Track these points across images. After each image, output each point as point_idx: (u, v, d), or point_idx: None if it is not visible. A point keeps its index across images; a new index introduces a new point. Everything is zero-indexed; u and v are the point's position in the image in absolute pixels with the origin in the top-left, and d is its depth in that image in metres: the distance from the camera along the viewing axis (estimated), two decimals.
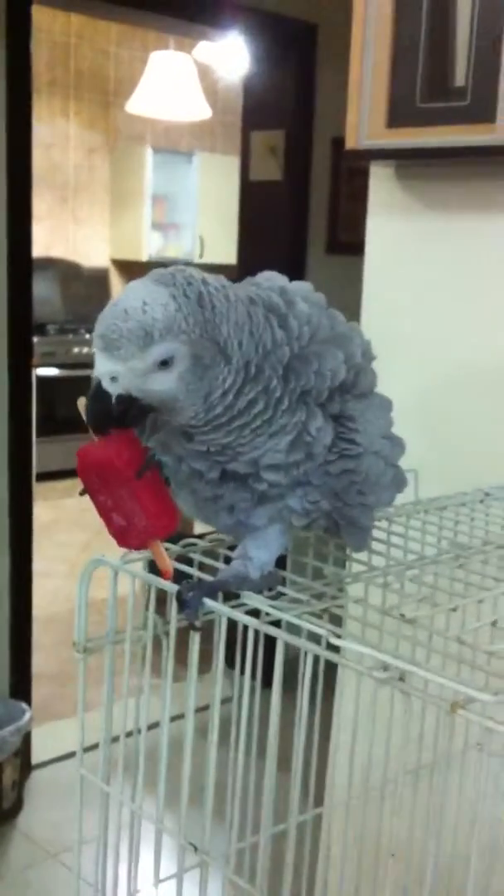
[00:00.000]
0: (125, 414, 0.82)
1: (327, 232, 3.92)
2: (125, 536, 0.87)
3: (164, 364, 0.80)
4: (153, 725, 0.95)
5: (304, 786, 0.98)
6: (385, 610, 0.86)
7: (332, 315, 0.92)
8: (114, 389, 0.80)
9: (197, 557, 0.99)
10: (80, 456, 0.84)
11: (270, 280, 0.90)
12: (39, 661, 3.41)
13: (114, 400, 0.80)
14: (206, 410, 0.83)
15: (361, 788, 1.04)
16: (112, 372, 0.80)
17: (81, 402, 0.83)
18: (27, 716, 2.96)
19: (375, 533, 1.11)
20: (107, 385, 0.80)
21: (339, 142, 3.84)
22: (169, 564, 0.88)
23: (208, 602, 0.88)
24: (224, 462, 0.88)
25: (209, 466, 0.88)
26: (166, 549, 0.96)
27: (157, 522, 0.86)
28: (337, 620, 0.91)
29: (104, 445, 0.83)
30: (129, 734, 1.00)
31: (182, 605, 0.87)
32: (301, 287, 0.91)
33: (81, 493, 0.87)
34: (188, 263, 7.46)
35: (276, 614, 0.84)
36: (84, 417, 0.83)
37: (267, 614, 0.85)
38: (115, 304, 0.80)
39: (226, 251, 5.89)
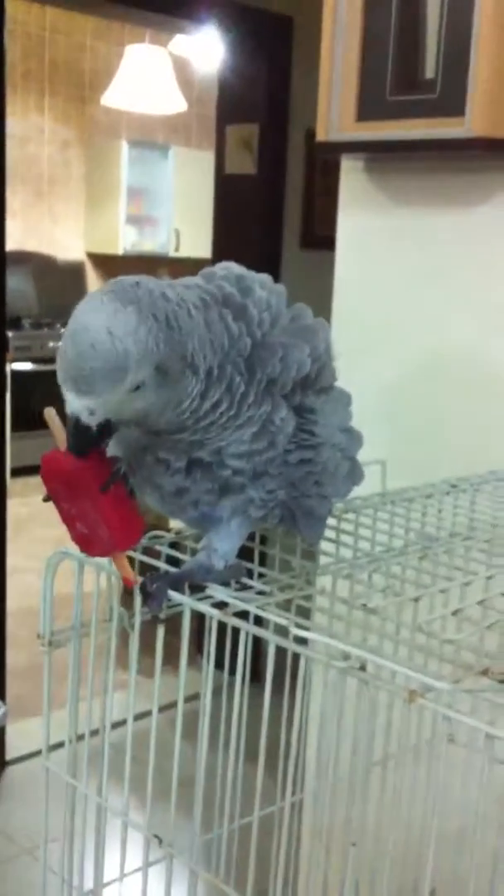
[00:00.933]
0: (102, 435, 0.81)
1: (302, 226, 3.92)
2: (88, 545, 0.87)
3: (137, 388, 0.79)
4: (121, 722, 0.95)
5: (272, 777, 0.98)
6: (348, 601, 0.87)
7: (301, 308, 0.92)
8: (92, 421, 0.79)
9: (164, 550, 0.98)
10: (45, 462, 0.83)
11: (227, 269, 0.90)
12: (14, 657, 3.39)
13: (94, 430, 0.79)
14: (176, 416, 0.83)
15: (329, 779, 1.04)
16: (89, 408, 0.78)
17: (50, 413, 0.82)
18: (1, 711, 2.95)
19: (343, 525, 1.11)
20: (85, 419, 0.79)
21: (313, 135, 3.83)
22: (131, 574, 0.88)
23: (173, 594, 0.88)
24: (190, 452, 0.88)
25: (176, 456, 0.88)
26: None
27: (120, 536, 0.85)
28: (305, 613, 0.91)
29: (68, 454, 0.82)
30: (94, 732, 0.99)
31: (146, 596, 0.87)
32: (259, 276, 0.91)
33: (45, 500, 0.87)
34: (164, 257, 7.40)
35: (241, 605, 0.84)
36: (51, 427, 0.82)
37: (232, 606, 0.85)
38: (76, 335, 0.75)
39: (201, 245, 5.87)
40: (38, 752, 3.40)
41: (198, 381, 0.82)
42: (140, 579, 0.89)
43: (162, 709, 0.92)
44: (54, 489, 0.85)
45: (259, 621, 0.85)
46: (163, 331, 0.78)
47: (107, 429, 0.80)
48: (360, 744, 0.86)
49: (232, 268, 0.90)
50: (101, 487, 0.83)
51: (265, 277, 0.92)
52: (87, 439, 0.80)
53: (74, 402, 0.78)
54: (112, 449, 0.90)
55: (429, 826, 0.72)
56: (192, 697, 0.92)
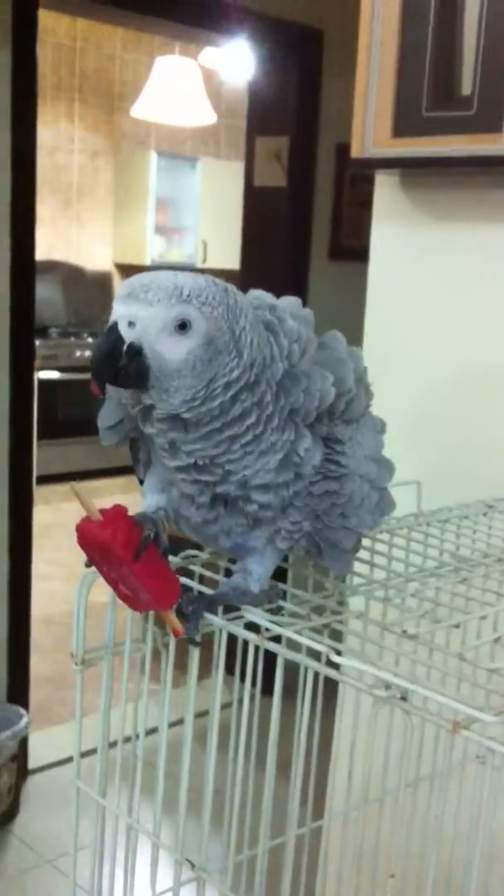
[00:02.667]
0: (127, 372, 0.80)
1: (330, 238, 3.92)
2: (133, 603, 0.87)
3: (182, 328, 0.79)
4: (150, 731, 0.94)
5: (302, 799, 0.98)
6: (387, 626, 0.86)
7: (333, 338, 0.91)
8: (128, 335, 0.79)
9: (197, 570, 0.98)
10: (79, 533, 0.83)
11: (259, 299, 0.90)
12: (37, 665, 3.40)
13: (125, 346, 0.79)
14: (203, 399, 0.81)
15: (360, 801, 1.03)
16: (132, 315, 0.79)
17: (76, 487, 0.81)
18: (24, 720, 2.95)
19: (377, 546, 1.10)
20: (122, 328, 0.79)
21: (343, 148, 3.83)
22: (179, 626, 0.87)
23: (208, 615, 0.87)
24: (213, 483, 0.86)
25: (199, 490, 0.87)
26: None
27: (160, 597, 0.85)
28: (337, 634, 0.90)
29: (102, 525, 0.82)
30: (126, 739, 0.99)
31: (182, 618, 0.87)
32: (289, 303, 0.90)
33: (87, 565, 0.87)
34: (191, 268, 7.47)
35: (276, 630, 0.83)
36: (80, 499, 0.82)
37: (267, 630, 0.84)
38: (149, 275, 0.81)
39: (228, 256, 5.89)
40: (61, 762, 3.40)
41: (238, 365, 0.81)
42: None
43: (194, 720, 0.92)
44: (91, 556, 0.85)
45: (291, 643, 0.84)
46: (219, 292, 0.81)
47: (135, 368, 0.79)
48: (393, 765, 0.85)
49: (264, 297, 0.90)
50: (133, 557, 0.82)
51: (294, 304, 0.91)
52: (115, 355, 0.79)
53: (119, 309, 0.80)
54: (155, 500, 0.91)
55: (464, 848, 0.71)
56: (202, 713, 0.92)
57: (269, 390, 0.84)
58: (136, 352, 0.79)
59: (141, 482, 0.97)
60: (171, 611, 0.86)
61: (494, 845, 0.89)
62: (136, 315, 0.79)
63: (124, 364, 0.79)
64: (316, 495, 0.88)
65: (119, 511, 0.83)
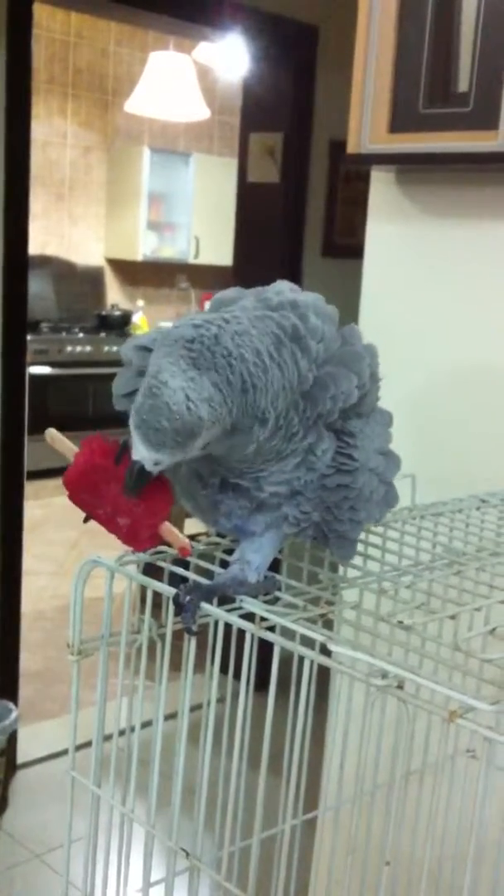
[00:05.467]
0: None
1: (323, 234, 3.92)
2: (136, 534, 0.86)
3: (206, 445, 0.80)
4: (145, 724, 0.95)
5: (295, 790, 0.98)
6: (382, 617, 0.86)
7: (350, 332, 0.90)
8: (156, 470, 0.80)
9: (193, 561, 0.98)
10: (65, 483, 0.84)
11: (281, 294, 0.87)
12: (26, 660, 3.39)
13: (155, 474, 0.81)
14: (238, 458, 0.84)
15: (354, 792, 1.04)
16: (156, 460, 0.79)
17: (51, 434, 0.83)
18: (13, 715, 2.95)
19: (371, 538, 1.11)
20: (150, 468, 0.80)
21: (336, 144, 3.85)
22: (185, 541, 0.87)
23: (205, 606, 0.87)
24: (228, 476, 0.88)
25: (211, 472, 0.88)
26: (160, 553, 0.96)
27: (154, 506, 0.84)
28: (331, 626, 0.90)
29: (78, 455, 0.84)
30: (121, 732, 0.99)
31: (179, 608, 0.87)
32: (312, 300, 0.88)
33: (85, 521, 0.87)
34: (183, 264, 7.43)
35: (273, 619, 0.84)
36: (57, 447, 0.83)
37: (263, 619, 0.85)
38: (153, 390, 0.76)
39: (220, 252, 5.89)
40: (50, 756, 3.38)
41: (265, 430, 0.82)
42: (172, 590, 0.88)
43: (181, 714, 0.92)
44: (81, 500, 0.85)
45: (286, 633, 0.84)
46: (237, 396, 0.78)
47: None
48: (386, 757, 0.85)
49: (285, 291, 0.87)
50: (115, 461, 0.83)
51: (317, 300, 0.88)
52: (145, 482, 0.81)
53: (143, 452, 0.79)
54: None
55: (455, 841, 0.71)
56: (196, 707, 0.92)
57: (294, 412, 0.83)
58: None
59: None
60: (171, 528, 0.86)
61: (484, 837, 0.90)
62: (160, 460, 0.79)
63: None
64: (329, 488, 0.88)
65: (92, 437, 0.84)
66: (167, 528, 0.86)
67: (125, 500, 0.84)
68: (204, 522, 0.95)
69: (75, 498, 0.85)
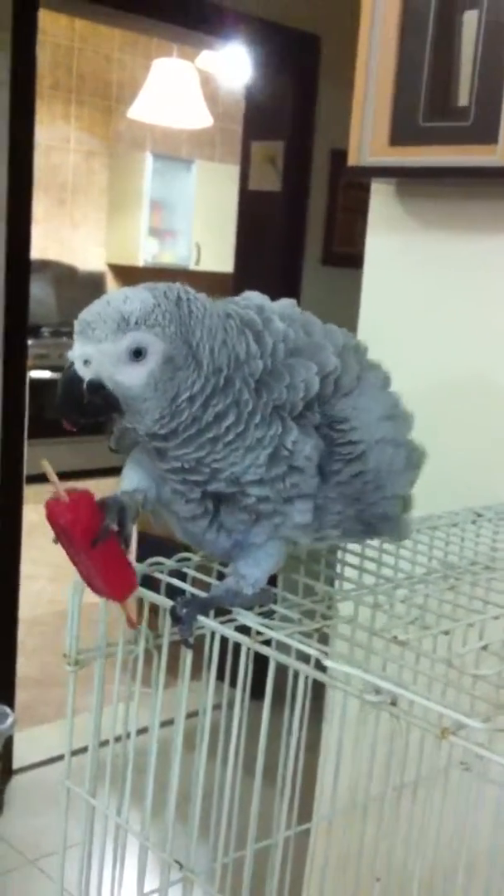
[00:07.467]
0: (94, 405, 0.83)
1: (323, 243, 3.93)
2: (91, 587, 0.88)
3: (137, 355, 0.81)
4: (140, 731, 0.95)
5: (289, 802, 0.98)
6: (376, 631, 0.87)
7: (309, 321, 0.91)
8: (85, 373, 0.82)
9: (190, 573, 0.99)
10: (47, 510, 0.84)
11: (248, 299, 0.90)
12: (22, 665, 3.39)
13: (85, 385, 0.82)
14: (171, 415, 0.83)
15: (347, 804, 1.04)
16: (85, 354, 0.81)
17: (45, 464, 0.84)
18: (9, 720, 2.94)
19: (366, 551, 1.11)
20: (79, 368, 0.82)
21: (337, 154, 3.86)
22: (133, 617, 0.89)
23: (201, 618, 0.88)
24: (203, 482, 0.87)
25: (189, 488, 0.88)
26: (160, 563, 0.96)
27: (112, 589, 0.87)
28: (327, 639, 0.91)
29: (65, 508, 0.83)
30: (117, 739, 0.99)
31: (176, 620, 0.87)
32: (281, 305, 0.90)
33: (54, 541, 0.87)
34: (184, 270, 7.42)
35: (268, 633, 0.84)
36: (49, 476, 0.83)
37: (258, 633, 0.85)
38: (98, 299, 0.82)
39: (221, 259, 5.89)
40: (45, 762, 3.38)
41: (200, 376, 0.82)
42: (169, 602, 0.89)
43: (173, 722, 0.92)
44: (56, 534, 0.86)
45: (281, 646, 0.85)
46: (170, 307, 0.81)
47: (101, 400, 0.82)
48: (379, 770, 0.86)
49: (253, 297, 0.90)
50: (92, 543, 0.83)
51: (287, 306, 0.90)
52: (77, 396, 0.82)
53: (75, 349, 0.82)
54: (134, 480, 0.92)
55: (447, 853, 0.71)
56: (192, 714, 0.93)
57: (245, 388, 0.84)
58: (96, 387, 0.82)
59: (111, 449, 0.98)
60: (125, 602, 0.88)
61: (475, 849, 0.90)
62: (88, 354, 0.81)
63: (89, 400, 0.82)
64: (344, 482, 0.88)
65: (84, 497, 0.85)
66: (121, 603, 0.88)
67: (87, 566, 0.85)
68: (202, 550, 0.96)
69: (52, 527, 0.85)
